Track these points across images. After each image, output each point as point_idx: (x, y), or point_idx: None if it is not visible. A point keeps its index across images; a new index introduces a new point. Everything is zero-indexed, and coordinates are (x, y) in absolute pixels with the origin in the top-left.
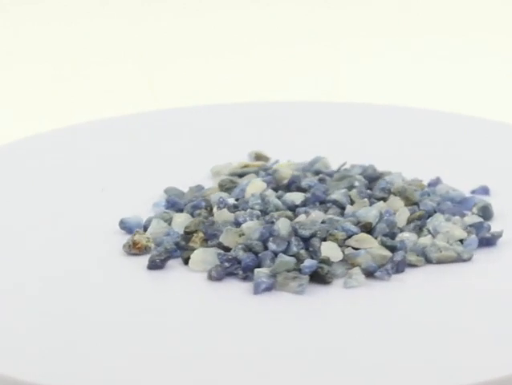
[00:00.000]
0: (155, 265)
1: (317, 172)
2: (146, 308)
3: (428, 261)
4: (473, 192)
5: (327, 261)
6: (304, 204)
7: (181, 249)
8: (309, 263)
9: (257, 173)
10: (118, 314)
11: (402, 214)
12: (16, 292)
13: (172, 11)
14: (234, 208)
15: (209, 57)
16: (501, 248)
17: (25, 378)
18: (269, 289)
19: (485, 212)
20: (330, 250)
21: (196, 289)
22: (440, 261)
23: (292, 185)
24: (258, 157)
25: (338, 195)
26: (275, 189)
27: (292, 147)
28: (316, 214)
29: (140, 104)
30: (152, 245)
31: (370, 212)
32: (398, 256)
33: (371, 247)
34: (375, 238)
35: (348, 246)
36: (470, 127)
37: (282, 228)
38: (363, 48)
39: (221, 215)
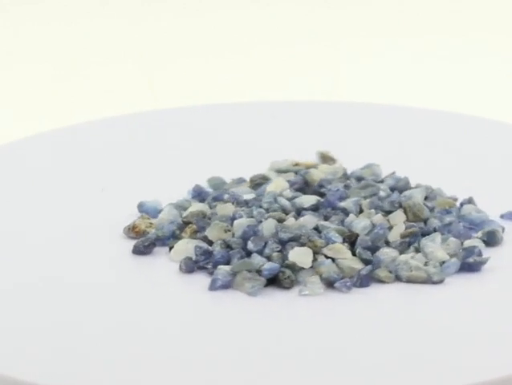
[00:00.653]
0: (138, 251)
1: (359, 179)
2: (111, 293)
3: (398, 278)
4: (501, 216)
5: (292, 266)
6: (316, 208)
7: (174, 238)
8: (269, 266)
9: (297, 172)
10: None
11: (396, 229)
12: (15, 292)
13: (172, 11)
14: (245, 205)
15: (209, 57)
16: (484, 275)
17: (26, 379)
18: (225, 286)
19: (491, 238)
20: (299, 256)
21: (162, 278)
22: (409, 280)
23: (321, 188)
24: (324, 158)
25: (348, 203)
26: (301, 190)
27: (292, 147)
28: (305, 219)
29: (139, 104)
30: (152, 231)
31: (360, 224)
32: (364, 270)
33: (344, 258)
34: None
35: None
36: (471, 126)
37: (266, 229)
38: (363, 48)
39: (223, 209)
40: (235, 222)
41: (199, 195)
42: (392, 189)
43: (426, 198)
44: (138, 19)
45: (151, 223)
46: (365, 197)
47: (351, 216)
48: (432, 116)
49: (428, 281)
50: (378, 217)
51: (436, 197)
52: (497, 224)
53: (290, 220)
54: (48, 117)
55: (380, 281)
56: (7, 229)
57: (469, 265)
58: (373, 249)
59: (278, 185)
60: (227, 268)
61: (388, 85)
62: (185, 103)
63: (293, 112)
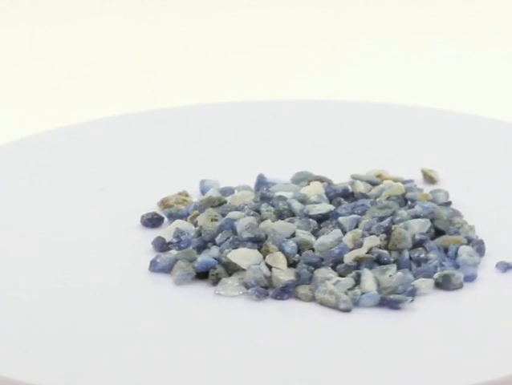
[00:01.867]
0: (143, 222)
1: (406, 200)
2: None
3: (314, 299)
4: (496, 265)
5: (227, 265)
6: (325, 217)
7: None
8: (202, 259)
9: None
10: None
11: (355, 253)
12: (15, 293)
13: (172, 11)
14: (272, 200)
15: (209, 56)
16: (404, 312)
17: (24, 379)
18: (163, 270)
19: (444, 281)
20: (238, 257)
21: (133, 255)
22: (321, 303)
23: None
24: (425, 176)
25: (345, 219)
26: (332, 197)
27: (292, 148)
28: (284, 224)
29: (140, 104)
30: (182, 208)
31: (326, 239)
32: (281, 284)
33: (277, 267)
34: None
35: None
36: (473, 126)
37: (239, 226)
38: (363, 47)
39: (235, 199)
40: (228, 214)
41: (257, 185)
42: (417, 216)
43: (438, 231)
44: (138, 20)
45: (184, 200)
46: (378, 218)
47: (336, 231)
48: (433, 115)
49: (335, 307)
50: (345, 236)
51: (444, 231)
52: (468, 270)
53: (267, 222)
54: (48, 117)
55: (297, 297)
56: (7, 229)
57: (387, 301)
58: (313, 264)
59: (312, 189)
60: (174, 253)
61: (389, 84)
62: (185, 102)
63: (293, 112)
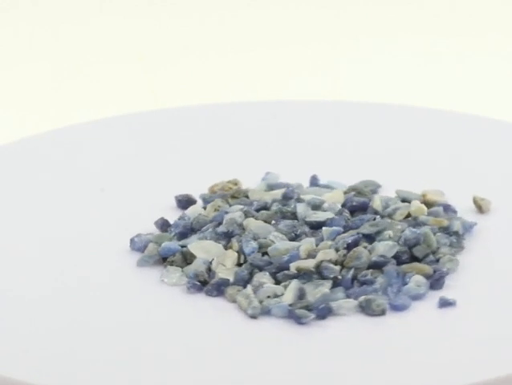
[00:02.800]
0: (176, 200)
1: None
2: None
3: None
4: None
5: (185, 254)
6: (322, 225)
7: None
8: (165, 245)
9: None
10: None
11: (300, 263)
12: (15, 292)
13: (172, 11)
14: (289, 201)
15: (209, 56)
16: (308, 329)
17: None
18: (139, 250)
19: (367, 306)
20: (197, 249)
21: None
22: (239, 305)
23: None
24: (476, 205)
25: (328, 230)
26: (349, 209)
27: (293, 148)
28: (262, 225)
29: (139, 104)
30: (214, 195)
31: (283, 246)
32: (213, 281)
33: (223, 264)
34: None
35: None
36: (473, 126)
37: (224, 220)
38: (363, 47)
39: (253, 193)
40: (231, 207)
41: (311, 185)
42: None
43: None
44: (138, 20)
45: (230, 188)
46: (357, 234)
47: (309, 240)
48: (433, 116)
49: (245, 311)
50: (303, 246)
51: (419, 258)
52: (400, 300)
53: (249, 220)
54: (48, 117)
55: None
56: (7, 229)
57: (292, 314)
58: (262, 269)
59: (334, 195)
60: (151, 237)
61: (389, 84)
62: (185, 102)
63: (293, 112)
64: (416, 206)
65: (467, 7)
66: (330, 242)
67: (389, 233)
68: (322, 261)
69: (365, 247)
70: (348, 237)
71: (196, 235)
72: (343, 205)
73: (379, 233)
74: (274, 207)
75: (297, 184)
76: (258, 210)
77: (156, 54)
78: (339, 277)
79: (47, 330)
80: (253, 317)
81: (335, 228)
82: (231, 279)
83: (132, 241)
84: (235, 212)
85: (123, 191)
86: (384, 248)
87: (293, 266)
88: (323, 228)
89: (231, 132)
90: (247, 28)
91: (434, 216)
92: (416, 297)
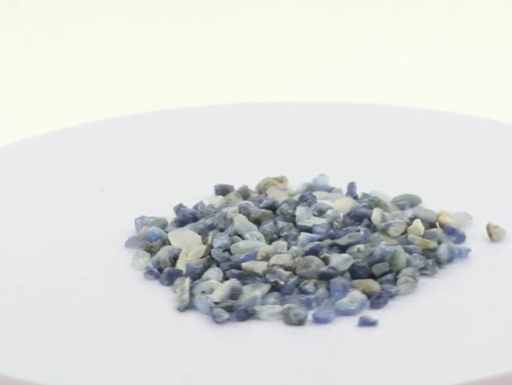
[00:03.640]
0: (215, 189)
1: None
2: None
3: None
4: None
5: (164, 241)
6: (309, 230)
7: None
8: (151, 229)
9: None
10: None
11: (250, 264)
12: (14, 292)
13: (172, 11)
14: (300, 204)
15: (209, 57)
16: (223, 329)
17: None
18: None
19: (285, 314)
20: (175, 237)
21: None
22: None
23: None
24: (488, 232)
25: (304, 235)
26: (352, 218)
27: (293, 150)
28: (245, 223)
29: (139, 103)
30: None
31: (245, 245)
32: (166, 270)
33: (186, 255)
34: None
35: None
36: (473, 127)
37: (215, 216)
38: (363, 48)
39: (271, 192)
40: (236, 202)
41: (349, 192)
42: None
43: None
44: (138, 20)
45: (274, 184)
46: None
47: (280, 243)
48: (433, 117)
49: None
50: (263, 247)
51: (375, 276)
52: (322, 313)
53: (238, 217)
54: (48, 117)
55: None
56: (7, 229)
57: (211, 311)
58: (217, 264)
59: (341, 204)
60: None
61: (389, 85)
62: (186, 102)
63: (294, 114)
64: (414, 225)
65: (467, 7)
66: (296, 248)
67: (360, 246)
68: (273, 265)
69: (324, 258)
70: (315, 245)
71: (190, 224)
72: (348, 214)
73: (351, 245)
74: (284, 206)
75: (337, 188)
76: (265, 208)
77: (156, 54)
78: (281, 282)
79: (47, 329)
80: (179, 310)
81: (310, 234)
82: (184, 270)
83: (135, 221)
84: (232, 207)
85: (124, 191)
86: (338, 260)
87: (244, 266)
88: (301, 233)
89: (231, 133)
90: (247, 28)
91: (430, 237)
92: (346, 313)
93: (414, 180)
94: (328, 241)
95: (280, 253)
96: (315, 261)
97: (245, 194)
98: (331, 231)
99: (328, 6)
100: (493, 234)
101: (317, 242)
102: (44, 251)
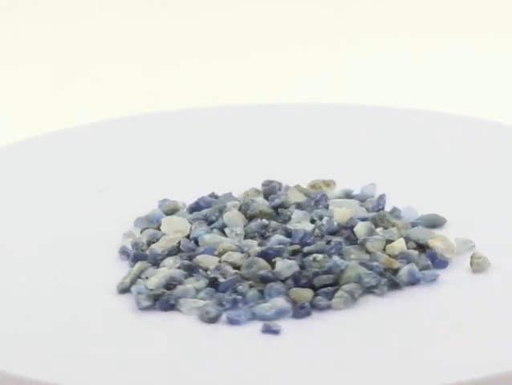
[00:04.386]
0: (262, 184)
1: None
2: None
3: None
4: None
5: (158, 225)
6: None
7: None
8: (156, 212)
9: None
10: None
11: (202, 258)
12: (14, 291)
13: (172, 11)
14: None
15: (209, 57)
16: (146, 316)
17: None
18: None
19: (201, 314)
20: (168, 222)
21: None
22: None
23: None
24: (471, 262)
25: (276, 237)
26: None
27: (293, 151)
28: (234, 219)
29: (139, 103)
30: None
31: (211, 239)
32: (133, 253)
33: (159, 241)
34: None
35: None
36: (474, 129)
37: (213, 208)
38: (363, 49)
39: (290, 192)
40: (255, 199)
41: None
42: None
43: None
44: (138, 20)
45: (320, 186)
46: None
47: (249, 242)
48: (434, 118)
49: None
50: (233, 254)
51: (315, 286)
52: (234, 314)
53: (231, 212)
54: (48, 117)
55: None
56: (8, 229)
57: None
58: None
59: (340, 213)
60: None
61: (389, 86)
62: (186, 102)
63: (293, 115)
64: (393, 244)
65: (468, 7)
66: (257, 248)
67: (317, 256)
68: (224, 262)
69: (274, 262)
70: (275, 248)
71: (186, 212)
72: (345, 224)
73: (310, 253)
74: (291, 209)
75: (373, 199)
76: (274, 208)
77: (156, 54)
78: (221, 279)
79: (47, 329)
80: (119, 291)
81: (282, 238)
82: (145, 255)
83: (158, 203)
84: (233, 202)
85: (123, 192)
86: (282, 266)
87: (195, 259)
88: (275, 235)
89: (231, 134)
90: (247, 28)
91: (403, 257)
92: (261, 318)
93: (415, 182)
94: (294, 247)
95: (235, 251)
96: (260, 263)
97: (269, 192)
98: (312, 238)
99: (328, 6)
100: (473, 265)
101: (280, 246)
102: (44, 251)
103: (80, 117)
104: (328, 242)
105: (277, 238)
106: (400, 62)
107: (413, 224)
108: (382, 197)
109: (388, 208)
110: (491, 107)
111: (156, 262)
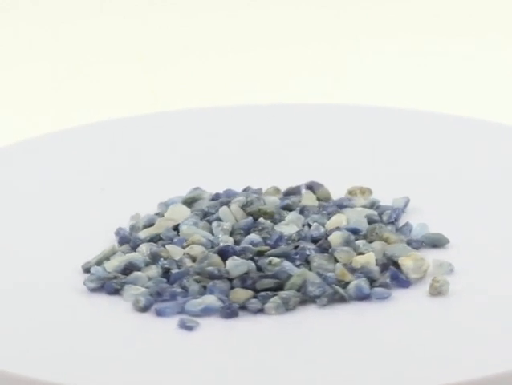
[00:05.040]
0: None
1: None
2: None
3: None
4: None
5: (135, 228)
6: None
7: None
8: (171, 200)
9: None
10: None
11: (174, 248)
12: (15, 293)
13: (172, 11)
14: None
15: (209, 57)
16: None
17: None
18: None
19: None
20: (174, 209)
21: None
22: None
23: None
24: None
25: (255, 235)
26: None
27: (292, 152)
28: (226, 214)
29: (139, 103)
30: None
31: (188, 230)
32: (121, 235)
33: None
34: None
35: None
36: (475, 130)
37: (212, 202)
38: (363, 50)
39: (305, 198)
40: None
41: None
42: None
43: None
44: (138, 20)
45: (355, 193)
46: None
47: (226, 237)
48: (433, 119)
49: None
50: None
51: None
52: (164, 305)
53: (231, 207)
54: (47, 117)
55: None
56: (7, 230)
57: None
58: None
59: (334, 221)
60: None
61: (389, 86)
62: (185, 103)
63: (293, 115)
64: (358, 260)
65: (469, 7)
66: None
67: (273, 259)
68: (186, 254)
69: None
70: (233, 247)
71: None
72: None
73: (269, 255)
74: (296, 212)
75: (388, 212)
76: (283, 208)
77: (156, 54)
78: (173, 271)
79: (47, 329)
80: (84, 270)
81: (253, 237)
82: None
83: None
84: (240, 198)
85: (123, 191)
86: (231, 264)
87: (165, 248)
88: (251, 234)
89: (231, 134)
90: (247, 28)
91: (364, 272)
92: (189, 313)
93: (414, 184)
94: (261, 248)
95: (201, 245)
96: (212, 259)
97: (289, 192)
98: (289, 241)
99: (328, 6)
100: (430, 288)
101: (246, 245)
102: (44, 251)
103: (80, 117)
104: (296, 247)
105: (250, 238)
106: (400, 62)
107: (409, 242)
108: (395, 211)
109: (402, 222)
110: (492, 108)
111: (135, 246)
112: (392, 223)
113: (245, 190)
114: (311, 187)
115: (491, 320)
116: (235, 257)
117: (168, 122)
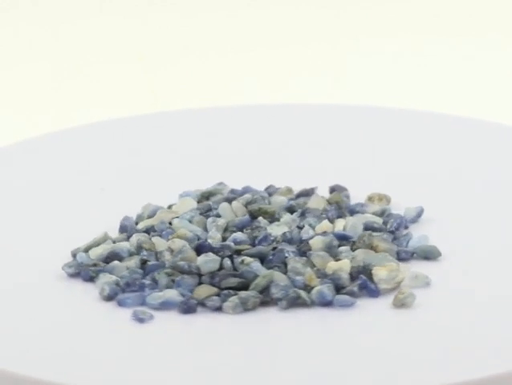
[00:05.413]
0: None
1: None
2: None
3: None
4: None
5: (140, 218)
6: (253, 239)
7: None
8: (186, 192)
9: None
10: None
11: (158, 241)
12: (15, 293)
13: (172, 11)
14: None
15: (209, 57)
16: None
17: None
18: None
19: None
20: (181, 203)
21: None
22: None
23: None
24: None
25: (242, 235)
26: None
27: (292, 152)
28: (224, 210)
29: (139, 103)
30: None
31: (180, 223)
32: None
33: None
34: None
35: None
36: (476, 130)
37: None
38: (363, 50)
39: (313, 201)
40: (273, 197)
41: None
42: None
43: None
44: (138, 20)
45: (373, 200)
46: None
47: (214, 233)
48: (433, 119)
49: None
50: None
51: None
52: (125, 296)
53: (232, 205)
54: (47, 117)
55: None
56: (7, 230)
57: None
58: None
59: (324, 226)
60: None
61: (389, 86)
62: (185, 103)
63: (293, 115)
64: (331, 266)
65: (469, 7)
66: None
67: (246, 259)
68: (168, 248)
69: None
70: (210, 245)
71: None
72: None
73: (247, 255)
74: (297, 213)
75: (391, 220)
76: (287, 209)
77: (156, 54)
78: (150, 262)
79: (47, 329)
80: (72, 255)
81: (239, 236)
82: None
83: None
84: (246, 195)
85: (123, 191)
86: (201, 260)
87: (151, 240)
88: (237, 233)
89: (231, 135)
90: (247, 28)
91: (334, 278)
92: (148, 305)
93: (415, 183)
94: (243, 247)
95: (184, 238)
96: (187, 254)
97: (301, 193)
98: (273, 243)
99: (328, 6)
100: (394, 299)
101: (226, 243)
102: (44, 251)
103: (80, 117)
104: (274, 248)
105: (236, 236)
106: (400, 62)
107: (399, 252)
108: (396, 220)
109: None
110: (491, 108)
111: (131, 236)
112: (393, 232)
113: (267, 189)
114: (334, 189)
115: (446, 338)
116: (209, 254)
117: (168, 122)
